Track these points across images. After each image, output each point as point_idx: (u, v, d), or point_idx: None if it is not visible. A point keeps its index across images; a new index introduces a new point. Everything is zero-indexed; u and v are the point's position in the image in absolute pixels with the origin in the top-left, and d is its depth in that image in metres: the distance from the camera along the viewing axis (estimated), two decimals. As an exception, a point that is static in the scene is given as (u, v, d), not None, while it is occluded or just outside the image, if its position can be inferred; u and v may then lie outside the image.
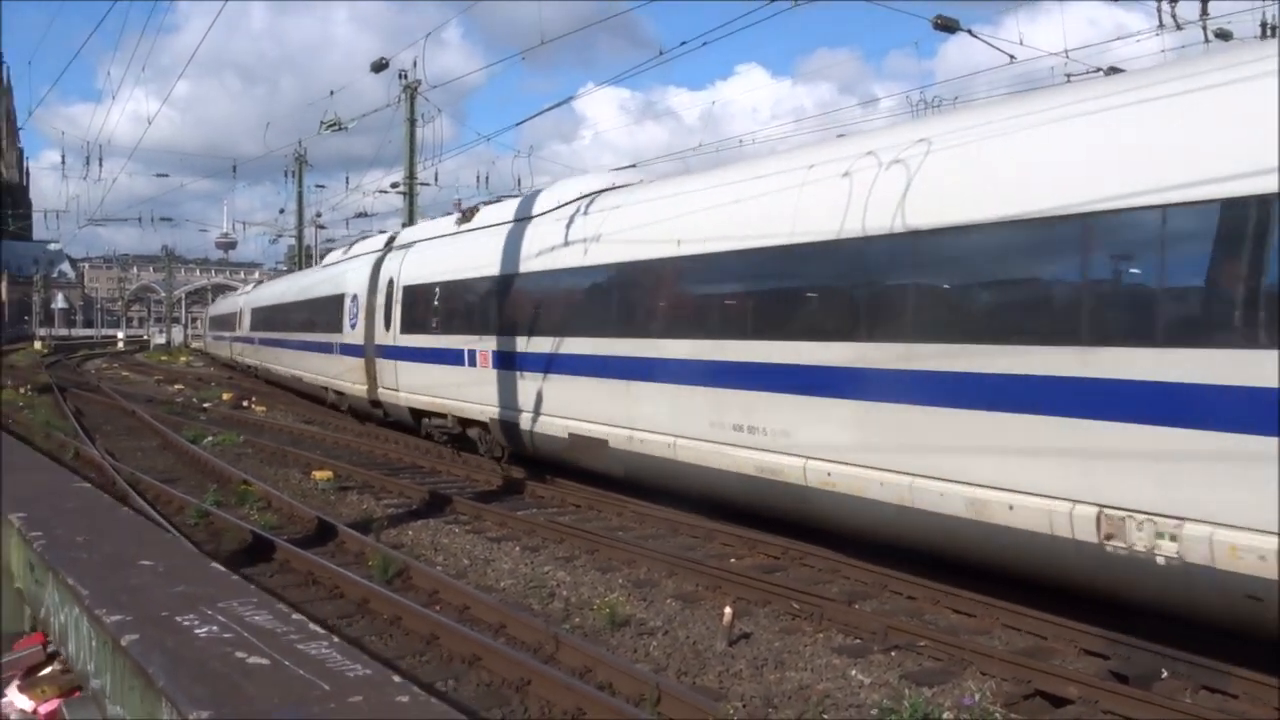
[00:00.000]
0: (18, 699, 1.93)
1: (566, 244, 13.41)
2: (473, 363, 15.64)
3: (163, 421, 22.04)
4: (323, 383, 24.91)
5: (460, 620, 8.05)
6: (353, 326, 21.47)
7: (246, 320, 40.45)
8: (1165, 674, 6.87)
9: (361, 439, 20.14)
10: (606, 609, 8.36)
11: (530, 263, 14.27)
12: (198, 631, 1.17)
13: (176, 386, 35.77)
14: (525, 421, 14.08)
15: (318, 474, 15.17)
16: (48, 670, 1.91)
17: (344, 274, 23.34)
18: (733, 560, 10.28)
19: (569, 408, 13.10)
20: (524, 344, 14.20)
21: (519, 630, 7.80)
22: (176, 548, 1.60)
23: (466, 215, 17.64)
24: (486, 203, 17.27)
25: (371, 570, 9.53)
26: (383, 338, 19.52)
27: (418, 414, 18.12)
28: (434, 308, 17.35)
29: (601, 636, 7.90)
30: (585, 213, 13.52)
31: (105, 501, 2.23)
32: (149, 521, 2.08)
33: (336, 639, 1.11)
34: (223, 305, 57.45)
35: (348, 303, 21.99)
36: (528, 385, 14.06)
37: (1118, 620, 7.41)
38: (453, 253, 17.17)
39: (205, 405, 27.56)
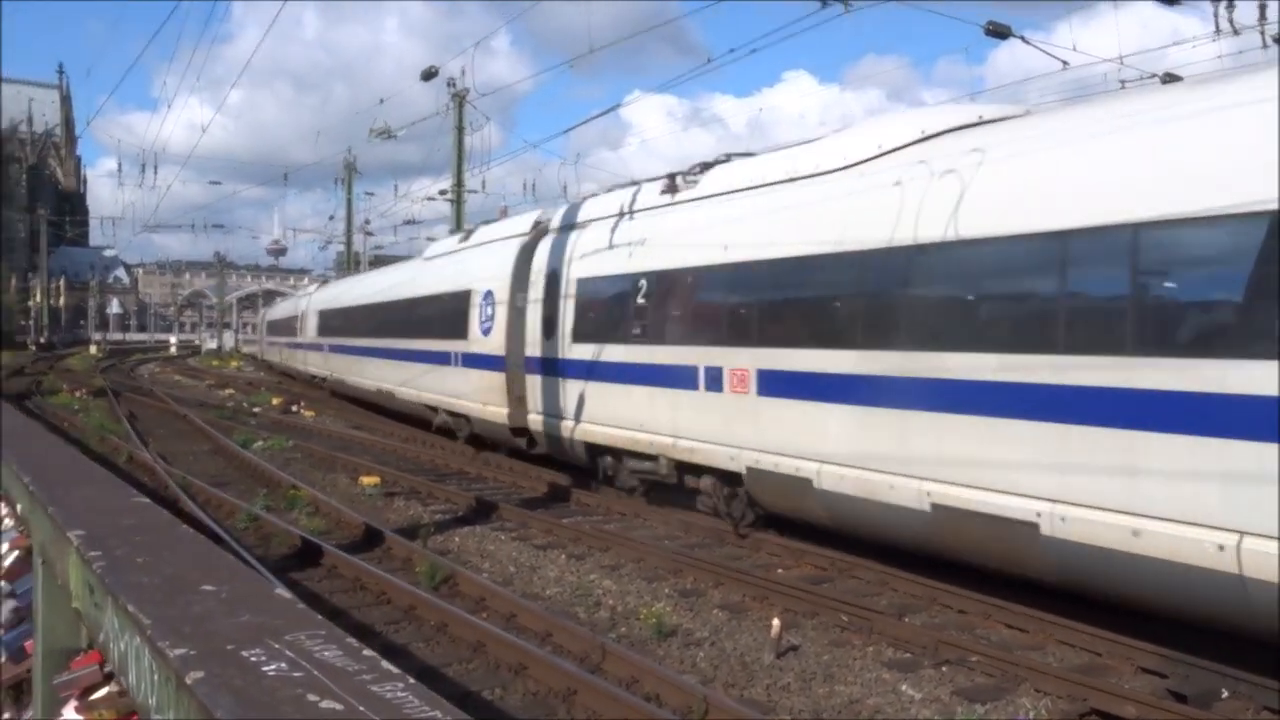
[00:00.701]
0: (73, 718, 1.92)
1: (974, 204, 8.18)
2: (714, 386, 10.94)
3: (214, 426, 22.37)
4: (430, 401, 20.15)
5: (507, 628, 8.05)
6: (485, 332, 17.06)
7: (311, 324, 35.44)
8: (1226, 694, 6.70)
9: (408, 445, 20.29)
10: (653, 619, 8.32)
11: (863, 236, 9.19)
12: (265, 669, 1.14)
13: (227, 391, 36.33)
14: (825, 478, 9.42)
15: (365, 479, 15.30)
16: (104, 691, 1.90)
17: (470, 265, 18.56)
18: (780, 571, 10.19)
19: (943, 461, 8.22)
20: (835, 360, 9.34)
21: (565, 639, 7.79)
22: (239, 571, 1.59)
23: (674, 184, 12.81)
24: (705, 165, 12.60)
25: (418, 576, 9.57)
26: (540, 347, 14.89)
27: (597, 450, 13.65)
28: (638, 308, 12.48)
29: (648, 646, 7.87)
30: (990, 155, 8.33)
31: (165, 518, 2.23)
32: (210, 540, 2.07)
33: (412, 680, 1.08)
34: (282, 308, 51.27)
35: (477, 302, 17.50)
36: (837, 420, 9.33)
37: (1175, 638, 7.22)
38: (672, 230, 12.21)
39: (255, 410, 27.96)
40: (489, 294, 17.12)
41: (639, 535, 11.73)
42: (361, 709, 1.03)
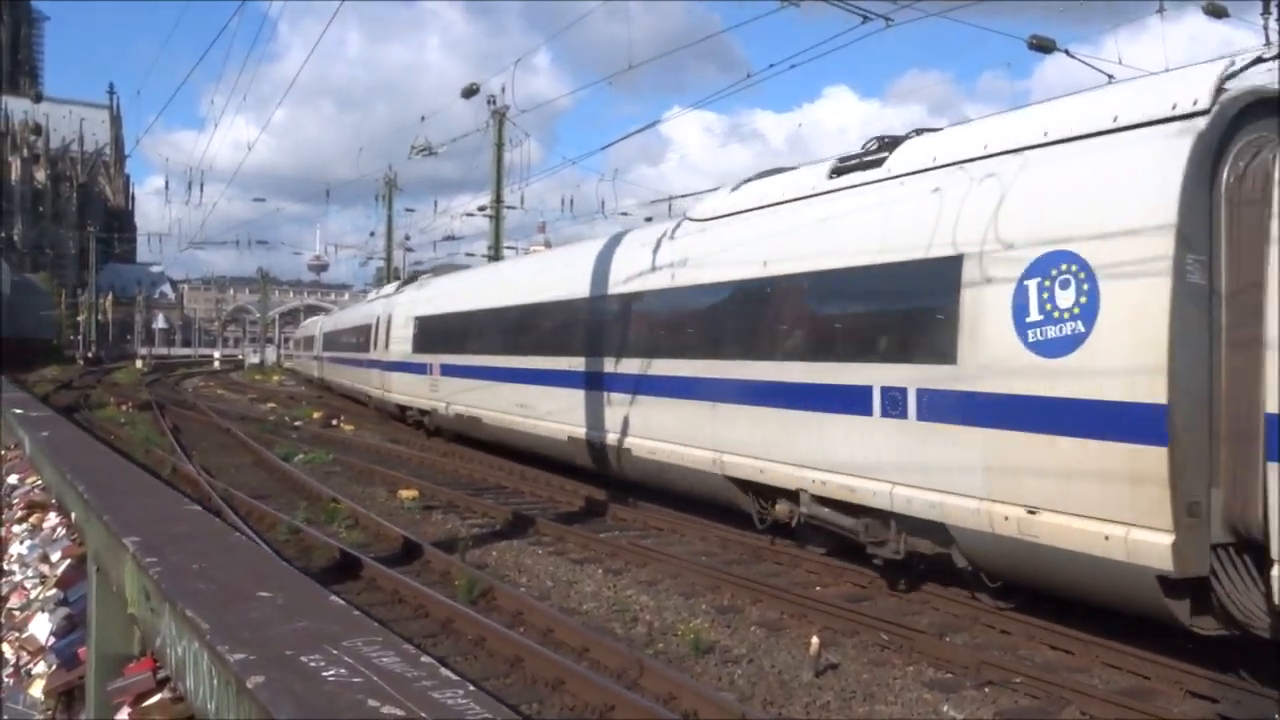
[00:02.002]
0: (127, 725, 1.94)
1: None
2: None
3: (255, 439, 22.64)
4: (771, 477, 10.74)
5: (544, 643, 8.05)
6: (1052, 347, 7.61)
7: (402, 336, 25.53)
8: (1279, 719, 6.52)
9: (446, 458, 20.39)
10: (690, 635, 8.29)
11: None
12: (325, 674, 1.14)
13: (269, 405, 36.74)
14: None
15: (404, 493, 15.40)
16: (156, 698, 1.92)
17: (952, 207, 8.79)
18: (818, 588, 10.11)
19: None
20: None
21: (603, 654, 7.77)
22: (293, 578, 1.59)
23: None
24: None
25: (456, 590, 9.61)
26: None
27: None
28: None
29: (685, 663, 7.83)
30: None
31: (217, 526, 2.25)
32: (262, 549, 2.10)
33: (472, 686, 1.07)
34: (343, 317, 40.37)
35: (1002, 280, 8.03)
36: None
37: (1227, 661, 7.06)
38: None
39: (296, 423, 28.24)
40: (1061, 261, 7.53)
41: (676, 551, 11.69)
42: (423, 715, 1.02)
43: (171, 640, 1.54)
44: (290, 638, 1.30)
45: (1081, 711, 6.79)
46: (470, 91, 27.07)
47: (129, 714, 1.94)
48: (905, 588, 9.73)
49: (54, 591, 3.22)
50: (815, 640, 7.74)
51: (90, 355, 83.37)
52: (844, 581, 10.29)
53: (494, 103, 32.79)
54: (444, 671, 1.15)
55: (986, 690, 7.23)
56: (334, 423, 28.80)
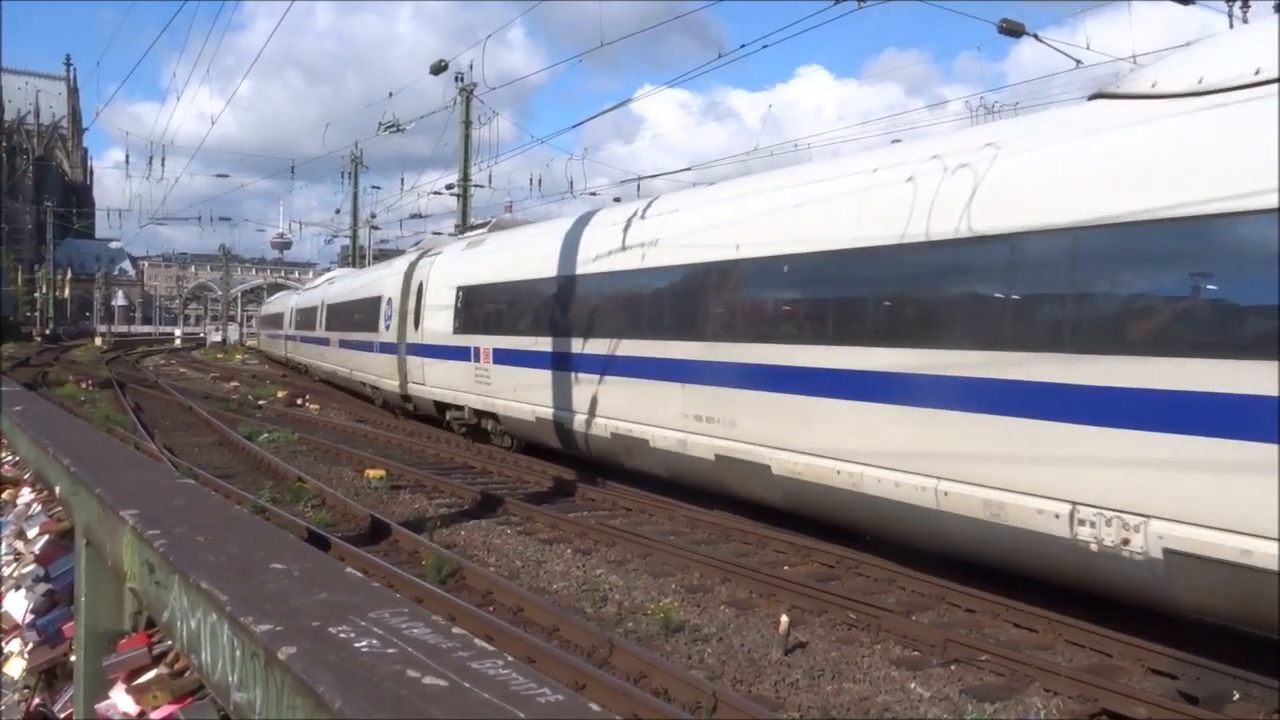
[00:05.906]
0: (122, 701, 1.92)
1: None
2: None
3: (219, 418, 22.40)
4: None
5: (514, 622, 8.08)
6: None
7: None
8: (1237, 696, 6.70)
9: (413, 438, 20.31)
10: (660, 614, 8.34)
11: None
12: (358, 645, 1.12)
13: (232, 383, 36.34)
14: None
15: (370, 472, 15.31)
16: (153, 674, 1.90)
17: None
18: (786, 568, 10.21)
19: None
20: None
21: (572, 634, 7.81)
22: (305, 551, 1.57)
23: None
24: None
25: (425, 570, 9.60)
26: None
27: None
28: None
29: (655, 642, 7.88)
30: None
31: (215, 499, 2.22)
32: (265, 521, 2.09)
33: (510, 657, 1.07)
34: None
35: None
36: None
37: (1186, 639, 7.24)
38: None
39: (260, 403, 27.97)
40: None
41: (645, 531, 11.75)
42: (467, 685, 1.02)
43: (183, 613, 1.52)
44: (314, 609, 1.29)
45: (1045, 688, 6.92)
46: (439, 68, 26.77)
47: (126, 689, 1.92)
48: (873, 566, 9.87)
49: (32, 568, 3.17)
50: (784, 619, 7.83)
51: (48, 332, 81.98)
52: (812, 561, 10.40)
53: (462, 80, 32.51)
54: (478, 643, 1.14)
55: (953, 668, 7.35)
56: (299, 402, 28.55)
